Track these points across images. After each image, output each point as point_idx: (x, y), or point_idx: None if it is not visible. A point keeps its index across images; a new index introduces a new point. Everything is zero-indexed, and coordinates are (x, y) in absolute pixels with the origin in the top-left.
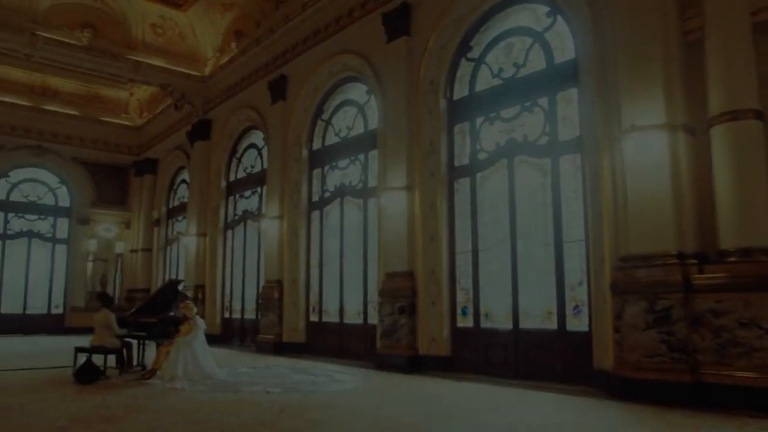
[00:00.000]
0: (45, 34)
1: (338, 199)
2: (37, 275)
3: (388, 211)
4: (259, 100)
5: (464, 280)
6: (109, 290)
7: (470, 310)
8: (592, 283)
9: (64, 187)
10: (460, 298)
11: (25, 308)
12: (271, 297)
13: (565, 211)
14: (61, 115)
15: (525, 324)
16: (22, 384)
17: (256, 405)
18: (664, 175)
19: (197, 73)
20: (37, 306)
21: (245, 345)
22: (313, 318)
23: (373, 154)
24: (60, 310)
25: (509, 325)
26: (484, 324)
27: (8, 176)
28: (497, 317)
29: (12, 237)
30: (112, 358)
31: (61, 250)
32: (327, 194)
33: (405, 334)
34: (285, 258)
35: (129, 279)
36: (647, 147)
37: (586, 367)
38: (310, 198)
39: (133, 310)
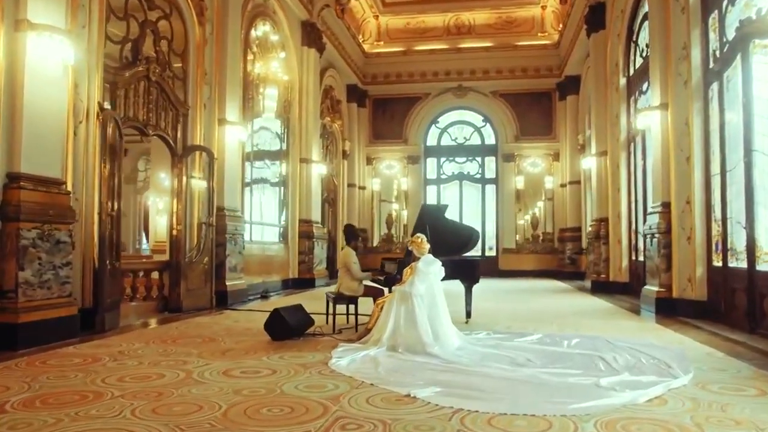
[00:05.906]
0: None
1: (739, 55)
2: (469, 218)
3: None
4: None
5: None
6: (540, 231)
7: None
8: None
9: (488, 125)
10: None
11: None
12: (656, 229)
13: None
14: (476, 50)
15: None
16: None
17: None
18: None
19: None
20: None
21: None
22: (716, 262)
23: None
24: (494, 253)
25: None
26: None
27: (437, 122)
28: None
29: (445, 181)
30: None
31: (490, 190)
32: (725, 47)
33: None
34: (671, 167)
35: (560, 217)
36: None
37: None
38: (705, 65)
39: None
